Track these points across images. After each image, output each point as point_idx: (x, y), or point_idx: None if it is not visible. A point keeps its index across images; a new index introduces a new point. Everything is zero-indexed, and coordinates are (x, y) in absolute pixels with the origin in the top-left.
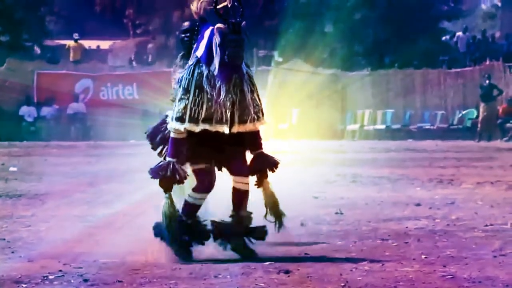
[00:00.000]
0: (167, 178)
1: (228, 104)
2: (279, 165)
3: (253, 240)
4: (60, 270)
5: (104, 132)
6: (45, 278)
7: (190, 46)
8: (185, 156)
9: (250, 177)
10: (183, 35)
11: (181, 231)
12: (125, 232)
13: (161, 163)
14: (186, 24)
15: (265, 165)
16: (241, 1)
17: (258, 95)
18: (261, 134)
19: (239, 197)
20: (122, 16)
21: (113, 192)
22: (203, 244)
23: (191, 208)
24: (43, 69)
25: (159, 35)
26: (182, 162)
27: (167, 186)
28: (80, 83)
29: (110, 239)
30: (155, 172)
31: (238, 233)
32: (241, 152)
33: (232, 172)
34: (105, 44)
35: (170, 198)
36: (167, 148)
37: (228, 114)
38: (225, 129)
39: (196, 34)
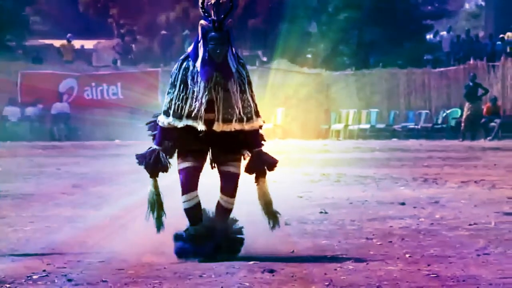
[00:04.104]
0: (149, 165)
1: (204, 101)
2: (277, 164)
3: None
4: (44, 270)
5: (89, 132)
6: (29, 278)
7: None
8: (175, 150)
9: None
10: None
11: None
12: (110, 232)
13: (147, 150)
14: None
15: (262, 164)
16: None
17: (252, 95)
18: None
19: (221, 212)
20: (107, 16)
21: (98, 193)
22: (213, 258)
23: (187, 213)
24: (27, 69)
25: (143, 35)
26: (170, 153)
27: (152, 172)
28: (64, 83)
29: (94, 239)
30: (140, 158)
31: (209, 239)
32: (234, 171)
33: (221, 190)
34: (89, 44)
35: (155, 184)
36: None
37: (202, 112)
38: (200, 126)
39: None
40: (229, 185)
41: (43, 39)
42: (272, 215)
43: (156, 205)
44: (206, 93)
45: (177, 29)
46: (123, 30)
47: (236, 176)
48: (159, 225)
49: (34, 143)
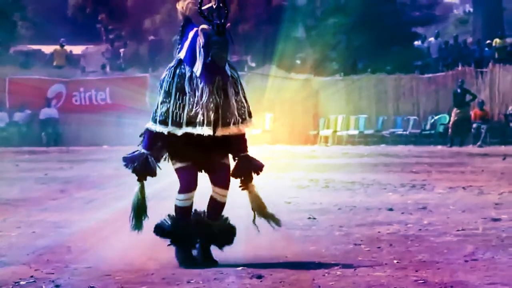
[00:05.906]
0: (137, 169)
1: (212, 106)
2: (263, 168)
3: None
4: (32, 276)
5: (77, 137)
6: (16, 284)
7: None
8: (168, 153)
9: (233, 183)
10: None
11: (177, 233)
12: (97, 238)
13: (135, 153)
14: None
15: (250, 168)
16: (225, 2)
17: (244, 97)
18: (246, 136)
19: (215, 207)
20: (95, 21)
21: (86, 198)
22: (194, 248)
23: (180, 211)
24: (15, 74)
25: (132, 40)
26: (157, 156)
27: (139, 176)
28: (53, 88)
29: (82, 245)
30: (128, 161)
31: (204, 240)
32: (226, 162)
33: (214, 182)
34: (77, 49)
35: (141, 188)
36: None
37: (212, 116)
38: (206, 131)
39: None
40: (222, 175)
41: (31, 44)
42: (270, 217)
43: (140, 208)
44: (212, 97)
45: (165, 33)
46: (111, 35)
47: (228, 166)
48: (139, 228)
49: (22, 148)
